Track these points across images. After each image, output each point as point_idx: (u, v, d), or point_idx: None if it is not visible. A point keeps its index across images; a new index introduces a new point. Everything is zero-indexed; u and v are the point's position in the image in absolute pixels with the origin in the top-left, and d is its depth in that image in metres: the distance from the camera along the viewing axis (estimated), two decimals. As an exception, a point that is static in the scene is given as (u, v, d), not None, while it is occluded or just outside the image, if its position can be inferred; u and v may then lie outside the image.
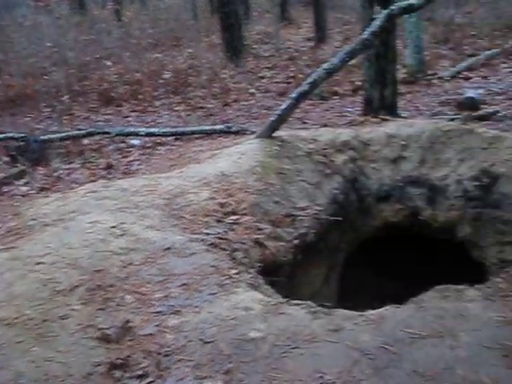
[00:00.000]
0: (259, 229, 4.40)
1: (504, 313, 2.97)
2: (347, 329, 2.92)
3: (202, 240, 3.87)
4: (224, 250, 3.85)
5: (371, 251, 7.35)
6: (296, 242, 4.69)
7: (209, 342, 2.86)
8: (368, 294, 7.62)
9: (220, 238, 3.98)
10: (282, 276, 4.40)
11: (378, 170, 6.52)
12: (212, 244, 3.84)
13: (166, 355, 2.83)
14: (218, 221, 4.27)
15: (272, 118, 5.85)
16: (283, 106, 5.75)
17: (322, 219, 5.18)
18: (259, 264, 4.04)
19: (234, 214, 4.43)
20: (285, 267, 4.45)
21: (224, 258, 3.70)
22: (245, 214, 4.47)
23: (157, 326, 3.04)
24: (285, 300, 3.34)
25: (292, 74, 13.40)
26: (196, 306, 3.13)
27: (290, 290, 4.92)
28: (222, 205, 4.46)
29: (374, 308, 6.60)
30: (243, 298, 3.22)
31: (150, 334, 2.98)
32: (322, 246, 5.47)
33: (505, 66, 13.79)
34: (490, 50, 15.06)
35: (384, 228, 6.68)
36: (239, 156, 5.39)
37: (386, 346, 2.77)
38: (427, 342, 2.80)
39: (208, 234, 4.03)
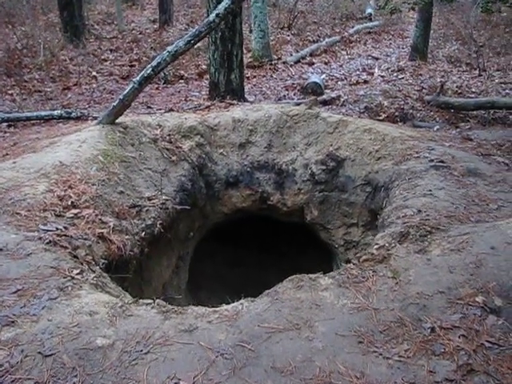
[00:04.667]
0: (103, 222, 4.08)
1: (356, 299, 2.96)
2: (201, 328, 2.75)
3: (40, 238, 3.49)
4: (65, 247, 3.49)
5: (222, 237, 7.28)
6: (143, 234, 4.43)
7: (49, 355, 2.54)
8: (221, 280, 7.57)
9: (60, 235, 3.62)
10: (130, 271, 4.14)
11: (226, 156, 6.42)
12: (51, 242, 3.47)
13: (-2, 376, 2.49)
14: (58, 215, 3.89)
15: (114, 104, 5.51)
16: (125, 91, 5.43)
17: (169, 209, 4.96)
18: (104, 260, 3.74)
19: (74, 207, 4.07)
20: (132, 261, 4.17)
21: (65, 257, 3.35)
22: (87, 207, 4.13)
23: (-14, 341, 2.67)
24: (132, 300, 3.07)
25: (136, 57, 13.00)
26: (34, 315, 2.78)
27: (139, 284, 4.69)
28: (61, 198, 4.07)
29: (229, 293, 6.56)
30: (87, 301, 2.92)
31: (-22, 353, 2.61)
32: (171, 236, 5.26)
33: (344, 52, 14.34)
34: (330, 37, 15.61)
35: (234, 214, 6.61)
36: (79, 144, 5.00)
37: (242, 344, 2.63)
38: (284, 336, 2.70)
39: (46, 230, 3.66)
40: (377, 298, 2.96)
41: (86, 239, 3.74)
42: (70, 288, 3.04)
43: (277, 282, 7.02)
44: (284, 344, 2.65)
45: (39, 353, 2.56)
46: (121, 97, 5.49)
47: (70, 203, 4.09)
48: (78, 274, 3.24)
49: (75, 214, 4.02)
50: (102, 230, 3.99)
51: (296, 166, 6.35)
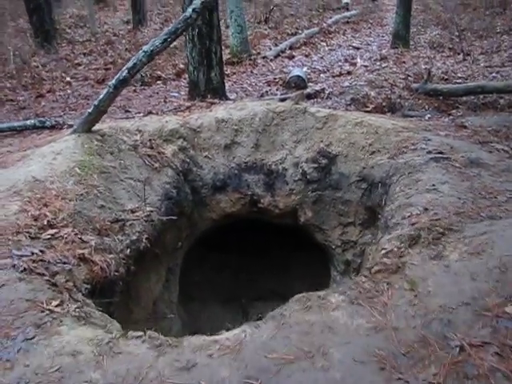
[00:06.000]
0: (83, 241, 3.71)
1: (372, 317, 2.63)
2: (201, 364, 2.40)
3: (14, 266, 3.12)
4: (41, 275, 3.13)
5: (210, 243, 6.95)
6: (128, 251, 4.06)
7: (27, 408, 2.21)
8: (212, 287, 7.24)
9: (36, 261, 3.26)
10: (116, 294, 3.78)
11: (211, 159, 6.08)
12: (26, 270, 3.11)
13: None
14: (33, 238, 3.52)
15: (89, 110, 5.14)
16: (101, 96, 5.06)
17: (154, 221, 4.59)
18: (86, 286, 3.37)
19: (51, 227, 3.70)
20: (118, 283, 3.81)
21: (42, 287, 2.99)
22: (65, 226, 3.76)
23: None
24: (121, 333, 2.72)
25: (111, 60, 12.59)
26: (7, 360, 2.42)
27: (127, 304, 4.34)
28: (36, 218, 3.70)
29: (221, 302, 6.18)
30: (69, 338, 2.57)
31: None
32: (158, 250, 4.91)
33: (324, 44, 14.03)
34: (309, 28, 15.31)
35: (223, 219, 6.27)
36: (54, 156, 4.63)
37: (249, 381, 2.30)
38: (296, 367, 2.37)
39: (21, 256, 3.29)
40: (395, 314, 2.64)
41: (65, 263, 3.37)
42: (48, 324, 2.68)
43: (268, 285, 6.61)
44: (297, 377, 2.31)
45: (15, 407, 2.21)
46: (96, 103, 5.12)
47: (45, 223, 3.73)
48: (57, 305, 2.88)
49: (52, 235, 3.66)
50: (83, 251, 3.62)
51: (286, 165, 6.02)
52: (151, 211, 4.57)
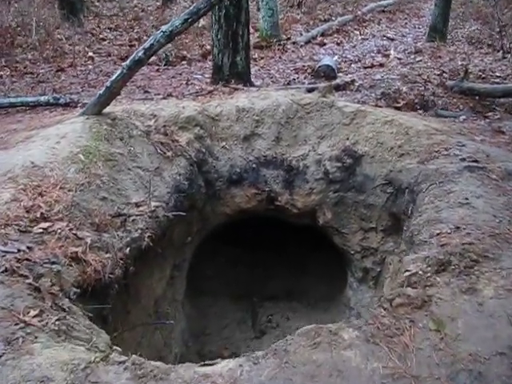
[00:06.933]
0: (78, 238, 3.39)
1: (390, 361, 2.27)
2: (186, 407, 2.06)
3: (-5, 264, 2.82)
4: (24, 277, 2.81)
5: (224, 236, 6.61)
6: (127, 250, 3.72)
7: None
8: (224, 282, 6.90)
9: (20, 260, 2.93)
10: (110, 298, 3.45)
11: (229, 150, 5.71)
12: (7, 270, 2.79)
13: None
14: (23, 231, 3.21)
15: (100, 92, 4.80)
16: (113, 77, 4.72)
17: (160, 217, 4.23)
18: (76, 289, 3.05)
19: (44, 220, 3.38)
20: (113, 286, 3.47)
21: (22, 293, 2.66)
22: (59, 220, 3.44)
23: None
24: (101, 356, 2.38)
25: (136, 36, 12.26)
26: (-34, 383, 2.13)
27: (125, 303, 4.01)
28: (28, 209, 3.39)
29: (233, 299, 5.80)
30: (40, 361, 2.24)
31: None
32: (164, 246, 4.58)
33: (357, 32, 13.55)
34: (342, 15, 14.83)
35: (238, 214, 5.92)
36: (58, 140, 4.30)
37: None
38: (297, 420, 2.02)
39: (5, 253, 2.98)
40: (416, 360, 2.27)
41: (53, 263, 3.04)
42: (20, 340, 2.36)
43: (282, 284, 6.19)
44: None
45: None
46: (108, 84, 4.78)
47: (39, 215, 3.41)
48: (35, 316, 2.56)
49: (44, 229, 3.33)
50: (77, 249, 3.30)
51: (308, 162, 5.63)
52: (157, 206, 4.22)
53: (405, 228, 4.27)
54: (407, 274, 3.08)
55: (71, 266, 3.16)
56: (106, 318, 3.47)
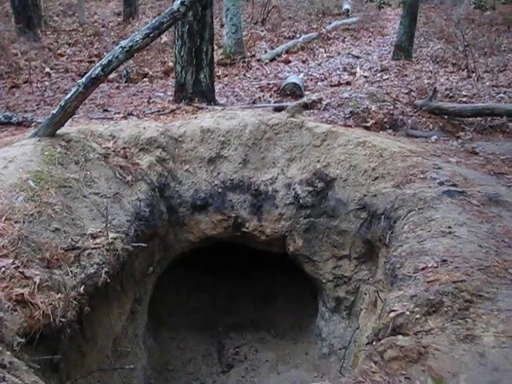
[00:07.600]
0: (25, 277, 3.01)
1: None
2: None
3: None
4: (-42, 328, 2.44)
5: (188, 265, 6.26)
6: (82, 288, 3.34)
7: None
8: (186, 313, 6.52)
9: (-46, 307, 2.56)
10: (61, 345, 3.06)
11: (193, 173, 5.39)
12: None
13: None
14: (-41, 272, 2.83)
15: (54, 111, 4.41)
16: (68, 96, 4.35)
17: (118, 250, 3.85)
18: (20, 339, 2.66)
19: (-15, 257, 3.01)
20: (65, 330, 3.09)
21: (-47, 348, 2.29)
22: (4, 256, 3.05)
23: None
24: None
25: (96, 52, 11.86)
26: None
27: (80, 347, 3.62)
28: (-33, 245, 3.01)
29: (195, 332, 5.40)
30: None
31: None
32: (124, 280, 4.20)
33: (322, 50, 13.40)
34: (307, 33, 14.70)
35: (203, 242, 5.57)
36: (5, 164, 3.89)
37: None
38: None
39: None
40: (416, 426, 1.96)
41: (-6, 308, 2.66)
42: None
43: (249, 313, 5.85)
44: None
45: None
46: (62, 103, 4.41)
47: (-21, 252, 3.02)
48: (-33, 377, 2.17)
49: (-15, 269, 2.95)
50: (23, 290, 2.92)
51: (277, 186, 5.33)
52: (115, 238, 3.85)
53: (384, 260, 3.98)
54: (393, 314, 2.79)
55: (16, 310, 2.78)
56: (57, 366, 3.09)
